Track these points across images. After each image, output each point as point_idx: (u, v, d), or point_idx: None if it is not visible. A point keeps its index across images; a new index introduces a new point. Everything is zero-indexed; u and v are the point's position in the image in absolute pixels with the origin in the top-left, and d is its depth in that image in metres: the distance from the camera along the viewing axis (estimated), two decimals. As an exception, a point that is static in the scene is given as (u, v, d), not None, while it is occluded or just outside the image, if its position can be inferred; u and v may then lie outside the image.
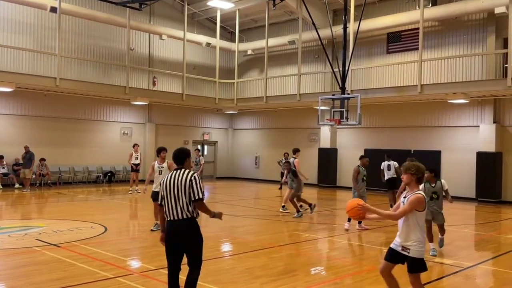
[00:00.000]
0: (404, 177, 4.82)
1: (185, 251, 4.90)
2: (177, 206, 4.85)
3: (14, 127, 19.32)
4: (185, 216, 4.84)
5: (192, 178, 4.90)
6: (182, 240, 4.86)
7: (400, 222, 4.83)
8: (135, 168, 18.39)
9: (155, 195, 9.93)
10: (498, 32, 17.72)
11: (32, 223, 11.31)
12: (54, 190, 18.43)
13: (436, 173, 8.65)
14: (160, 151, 10.29)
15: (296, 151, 14.24)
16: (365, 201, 11.11)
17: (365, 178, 11.26)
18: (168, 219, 4.93)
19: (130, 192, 17.76)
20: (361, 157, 11.71)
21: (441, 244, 8.80)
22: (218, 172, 27.07)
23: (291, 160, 14.06)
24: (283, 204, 13.71)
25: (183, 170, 5.00)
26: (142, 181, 22.38)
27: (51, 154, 19.82)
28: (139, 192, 17.42)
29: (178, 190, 4.86)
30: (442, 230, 8.81)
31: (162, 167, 10.15)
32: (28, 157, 18.09)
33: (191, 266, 4.92)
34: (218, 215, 5.15)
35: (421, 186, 8.45)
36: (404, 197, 4.82)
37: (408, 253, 4.80)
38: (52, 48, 19.32)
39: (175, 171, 5.03)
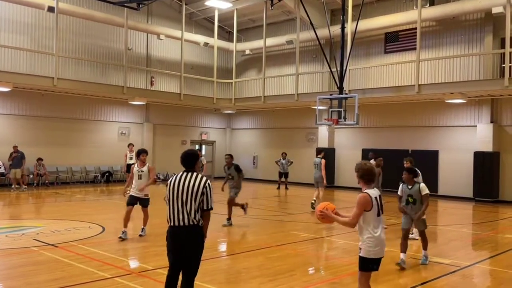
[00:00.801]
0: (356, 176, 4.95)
1: (185, 258, 4.67)
2: (184, 211, 4.62)
3: (11, 127, 19.26)
4: (191, 223, 4.61)
5: (207, 185, 4.69)
6: (185, 247, 4.64)
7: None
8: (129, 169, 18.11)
9: (130, 200, 9.49)
10: (495, 32, 17.76)
11: (29, 223, 11.28)
12: (51, 190, 18.40)
13: (415, 175, 7.82)
14: (139, 153, 9.53)
15: (321, 151, 14.86)
16: None
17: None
18: (171, 224, 4.69)
19: (128, 192, 17.58)
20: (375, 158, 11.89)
21: (423, 260, 7.80)
22: (216, 172, 27.05)
23: (316, 160, 14.48)
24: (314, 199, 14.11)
25: (194, 174, 4.76)
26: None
27: (49, 154, 19.78)
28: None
29: (187, 195, 4.62)
30: (423, 240, 7.83)
31: (142, 171, 9.39)
32: (19, 157, 17.84)
33: (188, 273, 4.72)
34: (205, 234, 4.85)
35: (400, 187, 7.88)
36: None
37: (360, 252, 4.79)
38: (50, 48, 19.29)
39: (185, 173, 4.76)
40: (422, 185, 7.68)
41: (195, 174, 4.75)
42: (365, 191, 4.70)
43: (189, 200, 4.61)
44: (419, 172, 8.68)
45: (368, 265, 4.76)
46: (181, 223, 4.61)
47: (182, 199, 4.63)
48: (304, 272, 7.36)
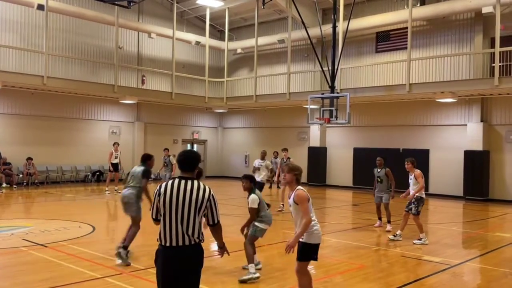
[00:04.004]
0: (287, 176, 5.17)
1: (184, 283, 3.82)
2: (183, 228, 3.77)
3: (1, 126, 19.06)
4: (192, 242, 3.81)
5: (211, 197, 3.88)
6: (184, 272, 3.80)
7: (295, 216, 5.18)
8: (114, 168, 17.53)
9: None
10: (485, 32, 17.90)
11: (19, 223, 11.16)
12: (41, 190, 18.24)
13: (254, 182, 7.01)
14: None
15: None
16: (381, 201, 10.93)
17: (379, 180, 10.94)
18: (166, 244, 3.80)
19: (108, 192, 17.03)
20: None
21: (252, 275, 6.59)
22: (208, 171, 26.99)
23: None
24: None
25: (195, 182, 3.88)
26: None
27: (39, 153, 19.61)
28: (119, 192, 17.09)
29: (189, 209, 3.79)
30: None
31: None
32: None
33: None
34: (224, 249, 4.30)
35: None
36: (289, 198, 5.22)
37: (303, 239, 5.12)
38: (39, 46, 19.11)
39: (183, 180, 3.86)
40: (252, 196, 6.67)
41: (196, 182, 3.88)
42: (300, 187, 5.15)
43: (192, 215, 3.79)
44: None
45: (310, 253, 5.20)
46: (180, 243, 3.77)
47: (182, 214, 3.77)
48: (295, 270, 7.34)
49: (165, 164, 16.84)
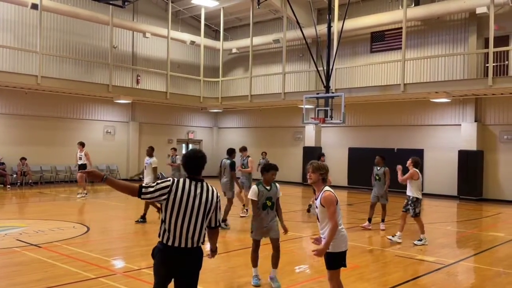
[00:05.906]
0: (312, 176, 4.84)
1: (183, 283, 3.82)
2: (188, 233, 3.73)
3: (-6, 126, 18.98)
4: (195, 245, 3.79)
5: (219, 199, 3.93)
6: (185, 272, 3.80)
7: (321, 219, 4.82)
8: (80, 169, 15.83)
9: None
10: (479, 32, 17.99)
11: (12, 223, 11.09)
12: (35, 190, 18.15)
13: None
14: None
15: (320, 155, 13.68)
16: (378, 201, 10.90)
17: (377, 178, 11.04)
18: (169, 243, 3.72)
19: (79, 196, 15.88)
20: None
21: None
22: (204, 171, 26.94)
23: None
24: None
25: (205, 184, 3.88)
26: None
27: (33, 153, 19.51)
28: (86, 194, 16.00)
29: (198, 212, 3.75)
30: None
31: None
32: None
33: None
34: (216, 253, 4.33)
35: (254, 190, 6.42)
36: (316, 199, 4.86)
37: (329, 248, 4.76)
38: (33, 46, 19.02)
39: (194, 182, 3.83)
40: (278, 186, 6.50)
41: (205, 185, 3.88)
42: (328, 189, 4.81)
43: (201, 218, 3.77)
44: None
45: (338, 261, 4.81)
46: (182, 245, 3.72)
47: (189, 218, 3.72)
48: (290, 270, 7.37)
49: (173, 162, 16.32)
